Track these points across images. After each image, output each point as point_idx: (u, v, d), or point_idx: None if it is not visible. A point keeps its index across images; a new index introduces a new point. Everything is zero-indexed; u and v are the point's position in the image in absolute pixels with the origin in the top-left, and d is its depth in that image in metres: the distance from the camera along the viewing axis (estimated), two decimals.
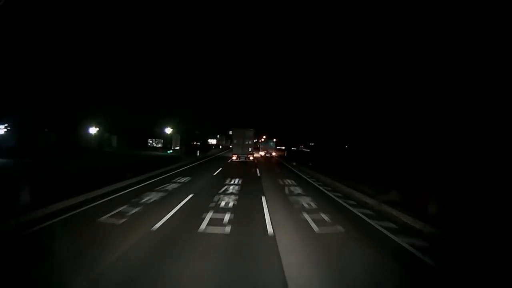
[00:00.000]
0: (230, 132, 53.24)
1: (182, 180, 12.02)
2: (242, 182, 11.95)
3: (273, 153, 34.36)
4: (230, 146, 32.28)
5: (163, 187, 10.10)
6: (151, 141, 40.21)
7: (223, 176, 13.65)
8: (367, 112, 31.67)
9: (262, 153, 34.52)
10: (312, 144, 58.75)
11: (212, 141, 66.46)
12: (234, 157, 22.56)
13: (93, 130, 30.94)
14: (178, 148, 35.59)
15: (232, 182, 11.90)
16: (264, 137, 53.55)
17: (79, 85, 26.73)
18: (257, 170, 17.27)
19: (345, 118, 40.64)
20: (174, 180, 11.96)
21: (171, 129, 34.42)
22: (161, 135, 38.00)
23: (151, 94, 40.15)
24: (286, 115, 69.76)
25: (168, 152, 33.69)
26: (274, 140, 37.89)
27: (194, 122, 47.98)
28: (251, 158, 22.85)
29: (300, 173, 16.65)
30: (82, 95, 27.65)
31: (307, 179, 14.23)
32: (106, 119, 32.27)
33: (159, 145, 39.27)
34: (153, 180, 11.69)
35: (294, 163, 22.44)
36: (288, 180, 12.99)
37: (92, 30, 27.62)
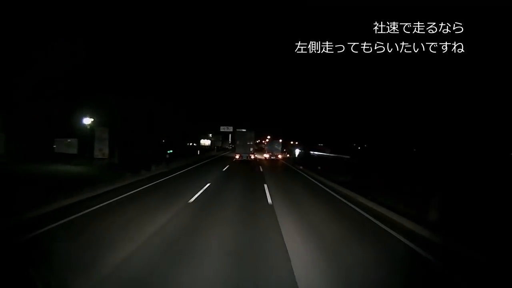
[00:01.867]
0: (222, 129, 46.92)
1: None
2: None
3: (279, 156, 31.46)
4: (230, 147, 36.94)
5: None
6: (59, 141, 20.21)
7: None
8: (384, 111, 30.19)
9: (267, 156, 32.03)
10: (321, 144, 54.40)
11: (206, 142, 50.31)
12: (237, 156, 25.13)
13: None
14: (104, 155, 18.18)
15: None
16: (269, 137, 48.76)
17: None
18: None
19: (359, 116, 37.40)
20: None
21: (91, 120, 16.20)
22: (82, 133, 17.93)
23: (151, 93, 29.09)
24: (294, 114, 62.68)
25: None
26: (280, 141, 35.07)
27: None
28: (252, 157, 25.56)
29: None
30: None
31: None
32: None
33: (72, 150, 19.24)
34: None
35: None
36: None
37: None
